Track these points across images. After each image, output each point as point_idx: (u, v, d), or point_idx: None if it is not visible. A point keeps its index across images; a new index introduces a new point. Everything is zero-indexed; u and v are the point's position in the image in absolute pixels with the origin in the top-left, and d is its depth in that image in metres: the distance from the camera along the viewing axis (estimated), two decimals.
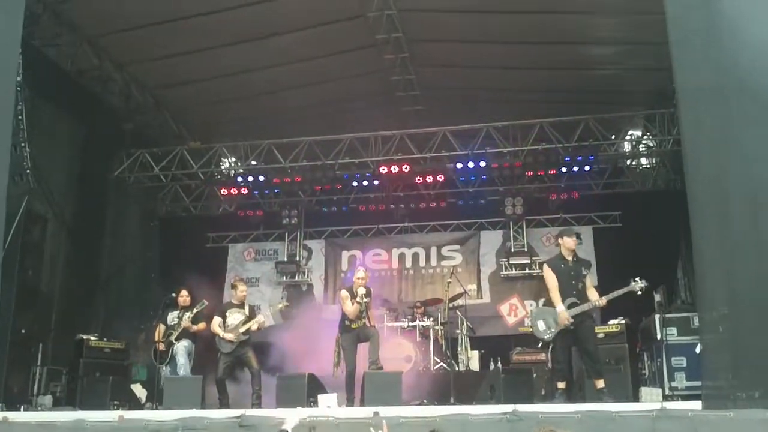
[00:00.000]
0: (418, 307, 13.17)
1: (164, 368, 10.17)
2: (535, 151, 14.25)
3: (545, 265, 8.80)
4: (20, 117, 10.25)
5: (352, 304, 9.45)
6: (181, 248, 15.80)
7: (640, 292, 8.09)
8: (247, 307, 10.07)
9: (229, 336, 9.70)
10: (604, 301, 8.13)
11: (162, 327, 10.32)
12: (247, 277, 15.23)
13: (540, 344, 8.65)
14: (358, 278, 9.66)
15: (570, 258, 8.43)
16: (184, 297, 10.44)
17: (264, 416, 6.79)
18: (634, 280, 8.07)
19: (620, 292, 8.13)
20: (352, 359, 9.41)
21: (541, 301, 9.08)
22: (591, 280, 8.43)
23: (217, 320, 9.88)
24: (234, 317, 9.89)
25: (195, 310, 10.18)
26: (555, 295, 8.33)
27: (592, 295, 8.25)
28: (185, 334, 10.20)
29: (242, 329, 9.73)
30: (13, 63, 7.53)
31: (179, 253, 15.53)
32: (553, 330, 8.16)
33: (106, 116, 14.05)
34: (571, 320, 8.11)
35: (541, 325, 8.27)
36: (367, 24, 12.56)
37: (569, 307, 8.11)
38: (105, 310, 13.85)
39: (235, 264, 16.26)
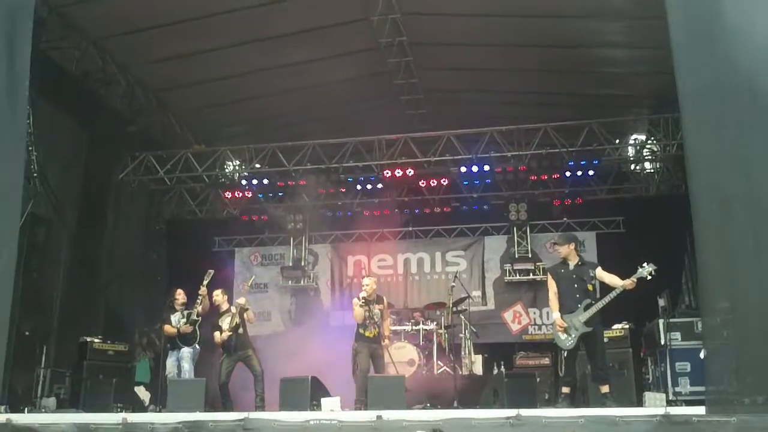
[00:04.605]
0: (419, 313, 13.20)
1: (167, 373, 10.21)
2: (539, 156, 14.22)
3: (548, 272, 8.82)
4: (27, 120, 10.26)
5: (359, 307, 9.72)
6: (188, 251, 15.75)
7: (649, 277, 7.98)
8: (233, 308, 10.24)
9: (225, 335, 9.99)
10: (630, 281, 7.92)
11: (169, 327, 10.33)
12: (256, 282, 15.09)
13: (565, 353, 8.58)
14: (363, 285, 9.95)
15: (573, 262, 8.40)
16: (181, 297, 10.46)
17: (267, 419, 6.79)
18: (641, 266, 7.93)
19: (633, 278, 7.98)
20: (366, 362, 9.55)
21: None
22: (606, 274, 8.32)
23: (216, 335, 10.11)
24: (225, 322, 10.14)
25: (206, 281, 10.20)
26: (553, 302, 8.38)
27: (616, 281, 8.07)
28: (195, 335, 10.25)
29: (226, 323, 10.06)
30: (24, 71, 7.55)
31: (186, 257, 15.46)
32: (573, 336, 8.13)
33: (110, 119, 14.05)
34: (565, 325, 8.11)
35: (562, 335, 8.21)
36: (371, 27, 12.59)
37: (586, 308, 8.06)
38: (109, 312, 13.87)
39: (243, 269, 16.19)
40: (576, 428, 5.62)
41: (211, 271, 10.30)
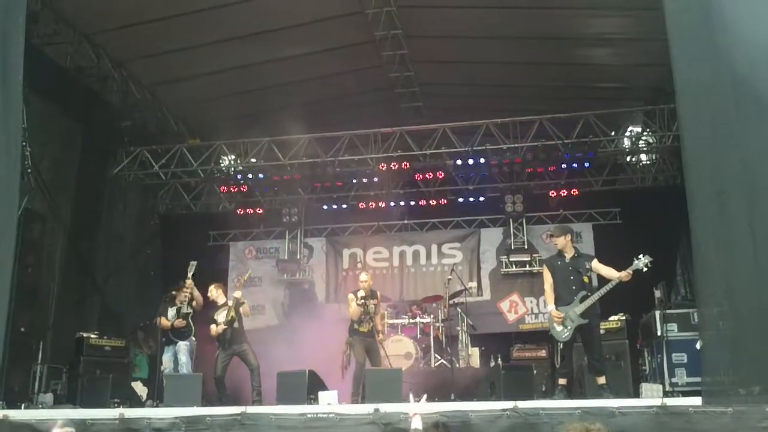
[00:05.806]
0: (416, 306, 13.20)
1: (163, 368, 10.19)
2: (535, 148, 14.19)
3: (544, 264, 8.83)
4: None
5: (357, 305, 9.67)
6: (182, 246, 15.64)
7: (645, 269, 7.99)
8: (230, 301, 10.20)
9: (221, 328, 9.88)
10: (625, 273, 7.92)
11: (164, 320, 10.31)
12: (250, 276, 15.06)
13: (561, 345, 8.59)
14: (361, 281, 9.95)
15: (569, 254, 8.40)
16: (185, 292, 10.43)
17: (265, 413, 6.80)
18: (637, 258, 7.95)
19: (629, 270, 8.00)
20: (362, 355, 9.54)
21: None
22: (602, 266, 8.33)
23: (212, 328, 10.03)
24: (221, 316, 10.08)
25: (190, 273, 10.19)
26: (548, 294, 8.39)
27: (612, 273, 8.07)
28: (189, 329, 10.24)
29: (221, 317, 9.95)
30: (18, 64, 7.50)
31: (180, 251, 15.32)
32: (569, 328, 8.14)
33: (104, 114, 14.01)
34: (562, 316, 8.12)
35: (558, 326, 8.20)
36: (365, 21, 12.55)
37: (582, 300, 8.06)
38: (105, 308, 13.83)
39: (237, 263, 16.13)
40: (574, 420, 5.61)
41: (194, 262, 10.29)
